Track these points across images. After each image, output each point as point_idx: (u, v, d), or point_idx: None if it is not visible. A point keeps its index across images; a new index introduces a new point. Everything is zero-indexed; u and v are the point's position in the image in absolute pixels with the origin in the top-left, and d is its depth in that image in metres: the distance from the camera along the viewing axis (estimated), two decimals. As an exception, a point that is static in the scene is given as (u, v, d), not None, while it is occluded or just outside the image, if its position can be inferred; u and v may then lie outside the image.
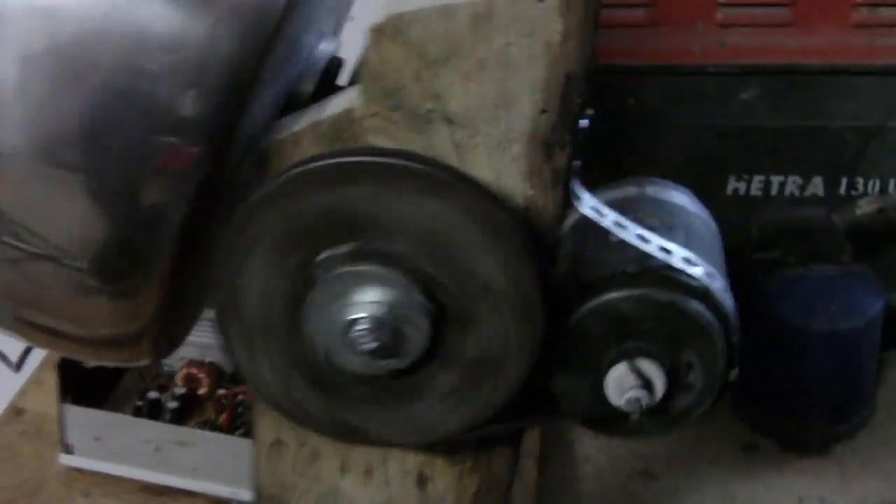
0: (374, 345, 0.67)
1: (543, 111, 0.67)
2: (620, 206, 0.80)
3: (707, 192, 0.86)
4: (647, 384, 0.72)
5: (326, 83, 0.77)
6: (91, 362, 0.82)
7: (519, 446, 0.81)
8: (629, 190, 0.82)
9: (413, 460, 0.79)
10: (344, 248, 0.67)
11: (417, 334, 0.69)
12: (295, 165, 0.67)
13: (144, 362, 0.77)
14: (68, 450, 1.11)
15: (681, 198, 0.82)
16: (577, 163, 0.75)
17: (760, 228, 1.44)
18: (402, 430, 0.74)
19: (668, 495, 1.27)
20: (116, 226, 0.67)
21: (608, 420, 0.74)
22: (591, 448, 1.33)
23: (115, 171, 0.65)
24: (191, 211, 0.66)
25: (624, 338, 0.72)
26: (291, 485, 0.82)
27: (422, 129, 0.68)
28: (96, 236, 0.67)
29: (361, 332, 0.67)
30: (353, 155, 0.66)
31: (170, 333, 0.75)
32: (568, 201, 0.71)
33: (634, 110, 1.30)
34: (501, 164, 0.68)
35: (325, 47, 0.78)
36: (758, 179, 1.43)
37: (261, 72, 0.67)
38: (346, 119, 0.69)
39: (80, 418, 1.09)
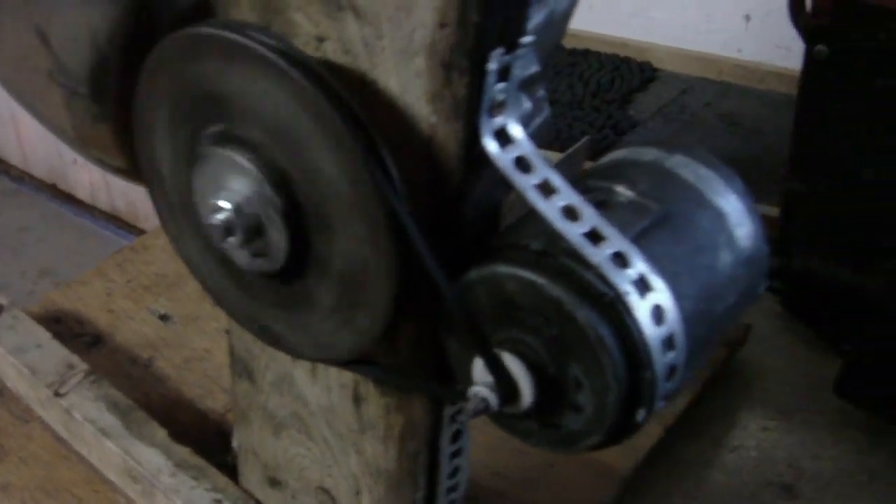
0: (225, 234, 0.62)
1: (443, 25, 0.54)
2: (611, 169, 0.65)
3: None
4: (507, 385, 0.58)
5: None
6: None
7: (440, 405, 0.71)
8: (647, 153, 0.65)
9: (348, 375, 0.72)
10: (215, 128, 0.61)
11: (276, 233, 0.61)
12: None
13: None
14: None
15: (709, 184, 0.63)
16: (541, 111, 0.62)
17: None
18: (303, 340, 0.68)
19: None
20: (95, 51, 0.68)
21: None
22: (747, 438, 1.12)
23: None
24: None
25: (508, 323, 0.59)
26: (256, 355, 0.79)
27: (334, 16, 0.58)
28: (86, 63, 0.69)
29: (219, 221, 0.61)
30: (206, 26, 0.58)
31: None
32: (475, 140, 0.58)
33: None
34: (406, 75, 0.57)
35: None
36: None
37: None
38: (272, -13, 0.61)
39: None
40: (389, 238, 0.57)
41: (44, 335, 1.10)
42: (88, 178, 3.45)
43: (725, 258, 0.62)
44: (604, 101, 1.66)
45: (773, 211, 1.21)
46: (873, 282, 1.05)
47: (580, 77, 1.73)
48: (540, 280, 0.56)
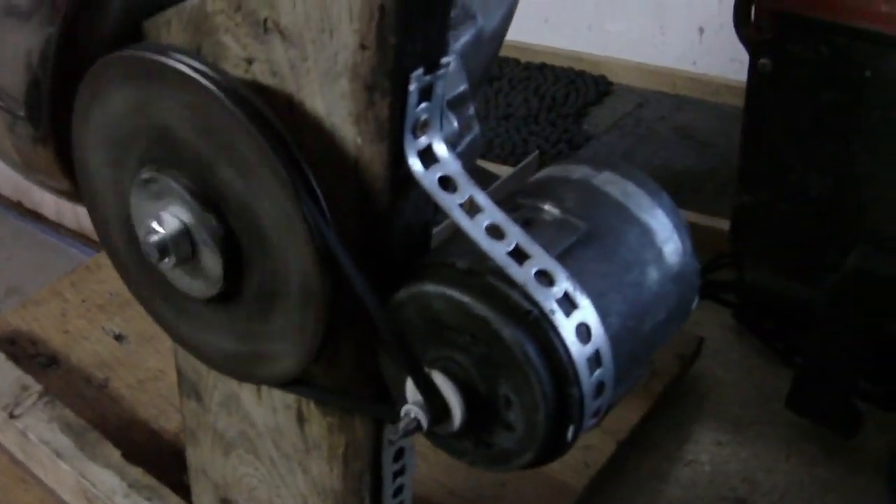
0: (161, 256, 0.62)
1: (364, 47, 0.55)
2: (540, 187, 0.65)
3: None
4: (438, 404, 0.59)
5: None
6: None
7: (382, 424, 0.71)
8: (576, 171, 0.66)
9: (292, 395, 0.73)
10: (148, 151, 0.63)
11: (210, 256, 0.62)
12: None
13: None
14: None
15: (637, 200, 0.64)
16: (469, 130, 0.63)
17: None
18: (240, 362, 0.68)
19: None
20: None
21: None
22: (701, 452, 1.13)
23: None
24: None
25: (438, 342, 0.59)
26: (203, 375, 0.80)
27: (261, 38, 0.59)
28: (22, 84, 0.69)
29: (154, 243, 0.62)
30: (135, 50, 0.59)
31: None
32: (401, 160, 0.58)
33: (872, 85, 1.03)
34: (331, 97, 0.58)
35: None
36: None
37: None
38: (202, 11, 0.62)
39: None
40: (318, 261, 0.57)
41: (-2, 356, 1.11)
42: (54, 197, 3.44)
43: (653, 274, 0.63)
44: (559, 116, 1.67)
45: (727, 224, 1.23)
46: (820, 296, 1.06)
47: (536, 91, 1.74)
48: (465, 299, 0.57)
